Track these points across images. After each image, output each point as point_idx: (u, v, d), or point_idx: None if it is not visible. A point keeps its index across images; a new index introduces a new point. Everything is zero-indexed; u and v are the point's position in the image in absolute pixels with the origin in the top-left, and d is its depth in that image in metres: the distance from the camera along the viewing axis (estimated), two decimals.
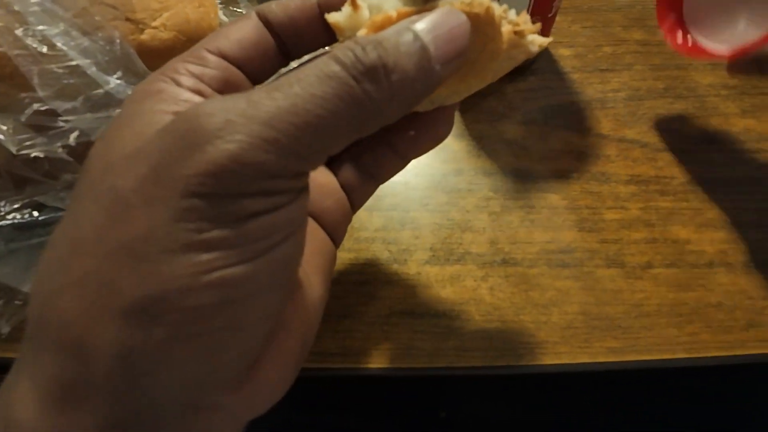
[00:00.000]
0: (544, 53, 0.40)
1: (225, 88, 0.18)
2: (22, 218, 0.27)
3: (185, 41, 0.28)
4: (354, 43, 0.15)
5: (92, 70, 0.23)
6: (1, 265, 0.29)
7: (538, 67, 0.39)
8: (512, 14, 0.18)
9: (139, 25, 0.26)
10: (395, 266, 0.31)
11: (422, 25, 0.15)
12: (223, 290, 0.14)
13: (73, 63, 0.23)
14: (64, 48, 0.23)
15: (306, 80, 0.14)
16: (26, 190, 0.26)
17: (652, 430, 0.36)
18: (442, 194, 0.33)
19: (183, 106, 0.16)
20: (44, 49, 0.22)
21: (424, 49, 0.15)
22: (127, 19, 0.26)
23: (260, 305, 0.16)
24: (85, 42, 0.23)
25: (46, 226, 0.30)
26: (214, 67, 0.18)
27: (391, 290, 0.30)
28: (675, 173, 0.33)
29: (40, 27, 0.22)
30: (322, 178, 0.23)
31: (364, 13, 0.17)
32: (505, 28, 0.17)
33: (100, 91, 0.24)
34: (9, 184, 0.26)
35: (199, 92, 0.17)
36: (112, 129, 0.17)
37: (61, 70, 0.23)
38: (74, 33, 0.23)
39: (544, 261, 0.30)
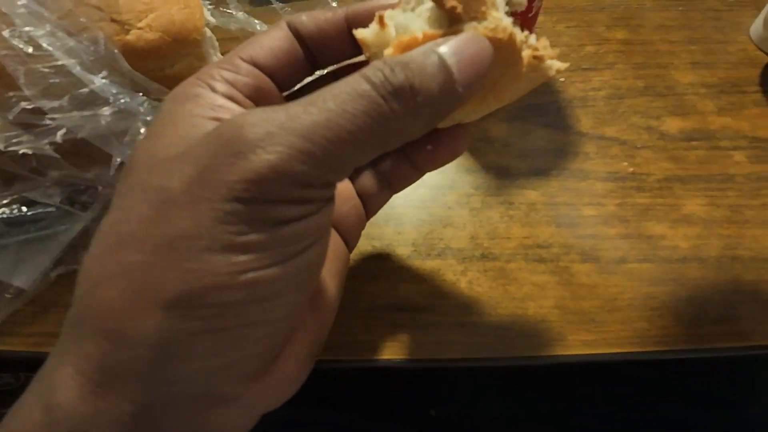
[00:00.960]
0: None
1: (255, 94, 0.19)
2: (11, 213, 0.28)
3: (170, 42, 0.29)
4: (383, 64, 0.16)
5: (77, 70, 0.24)
6: None
7: None
8: (532, 39, 0.19)
9: (124, 26, 0.27)
10: (378, 261, 0.32)
11: (447, 48, 0.16)
12: (254, 289, 0.16)
13: (59, 63, 0.24)
14: (50, 48, 0.23)
15: (339, 97, 0.15)
16: (14, 186, 0.27)
17: (633, 424, 0.37)
18: (425, 190, 0.34)
19: (219, 112, 0.17)
20: (30, 50, 0.23)
21: (448, 71, 0.16)
22: (113, 20, 0.27)
23: (285, 304, 0.17)
24: (71, 42, 0.24)
25: (35, 221, 0.30)
26: (246, 74, 0.19)
27: (373, 285, 0.31)
28: (652, 170, 0.34)
29: (27, 28, 0.23)
30: (339, 185, 0.24)
31: (390, 31, 0.18)
32: (525, 53, 0.18)
33: (86, 90, 0.25)
34: None
35: (232, 98, 0.18)
36: (154, 129, 0.18)
37: (46, 70, 0.24)
38: (60, 34, 0.24)
39: (521, 256, 0.31)
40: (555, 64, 0.19)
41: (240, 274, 0.15)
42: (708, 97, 0.37)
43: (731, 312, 0.28)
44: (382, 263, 0.32)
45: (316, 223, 0.17)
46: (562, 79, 0.39)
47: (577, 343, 0.28)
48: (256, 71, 0.20)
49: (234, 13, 0.39)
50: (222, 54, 0.39)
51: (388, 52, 0.17)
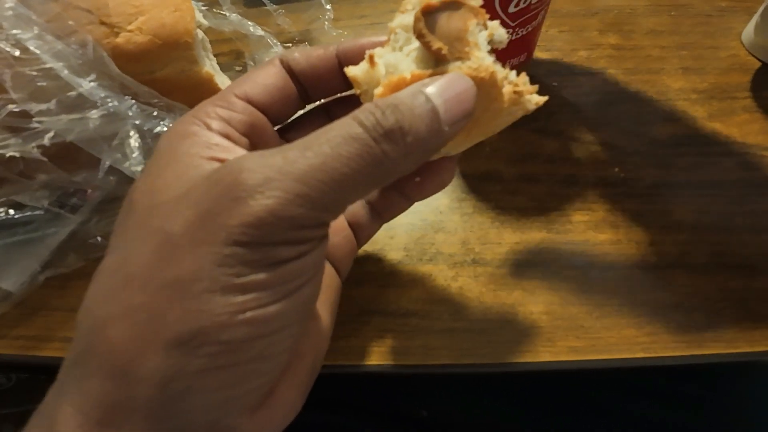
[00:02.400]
0: None
1: (250, 130, 0.20)
2: None
3: (161, 45, 0.29)
4: (374, 107, 0.17)
5: (65, 73, 0.24)
6: None
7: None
8: (512, 75, 0.19)
9: (114, 29, 0.27)
10: (369, 266, 0.32)
11: (434, 89, 0.17)
12: (254, 327, 0.16)
13: (47, 66, 0.24)
14: (37, 51, 0.23)
15: (334, 140, 0.16)
16: (2, 189, 0.27)
17: (620, 427, 0.37)
18: None
19: (215, 150, 0.18)
20: (17, 53, 0.23)
21: (435, 112, 0.17)
22: (102, 23, 0.27)
23: (284, 339, 0.18)
24: (58, 45, 0.24)
25: (24, 224, 0.30)
26: (241, 111, 0.20)
27: (363, 289, 0.31)
28: (642, 176, 0.34)
29: (14, 31, 0.23)
30: None
31: (380, 69, 0.19)
32: (506, 89, 0.19)
33: (74, 93, 0.24)
34: None
35: (227, 136, 0.19)
36: (152, 168, 0.18)
37: (34, 73, 0.24)
38: (48, 37, 0.24)
39: (512, 261, 0.31)
40: (534, 98, 0.20)
41: (239, 314, 0.16)
42: (698, 102, 0.37)
43: (718, 319, 0.28)
44: (373, 268, 0.32)
45: (311, 261, 0.17)
46: (555, 84, 0.39)
47: (565, 350, 0.28)
48: (251, 108, 0.20)
49: (227, 14, 0.39)
50: (215, 55, 0.38)
51: (378, 91, 0.18)
